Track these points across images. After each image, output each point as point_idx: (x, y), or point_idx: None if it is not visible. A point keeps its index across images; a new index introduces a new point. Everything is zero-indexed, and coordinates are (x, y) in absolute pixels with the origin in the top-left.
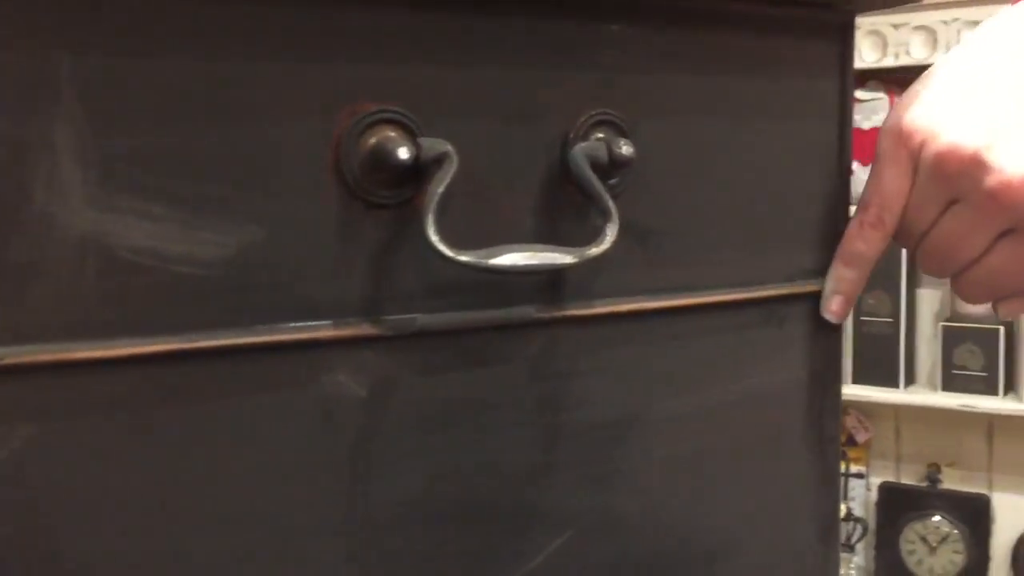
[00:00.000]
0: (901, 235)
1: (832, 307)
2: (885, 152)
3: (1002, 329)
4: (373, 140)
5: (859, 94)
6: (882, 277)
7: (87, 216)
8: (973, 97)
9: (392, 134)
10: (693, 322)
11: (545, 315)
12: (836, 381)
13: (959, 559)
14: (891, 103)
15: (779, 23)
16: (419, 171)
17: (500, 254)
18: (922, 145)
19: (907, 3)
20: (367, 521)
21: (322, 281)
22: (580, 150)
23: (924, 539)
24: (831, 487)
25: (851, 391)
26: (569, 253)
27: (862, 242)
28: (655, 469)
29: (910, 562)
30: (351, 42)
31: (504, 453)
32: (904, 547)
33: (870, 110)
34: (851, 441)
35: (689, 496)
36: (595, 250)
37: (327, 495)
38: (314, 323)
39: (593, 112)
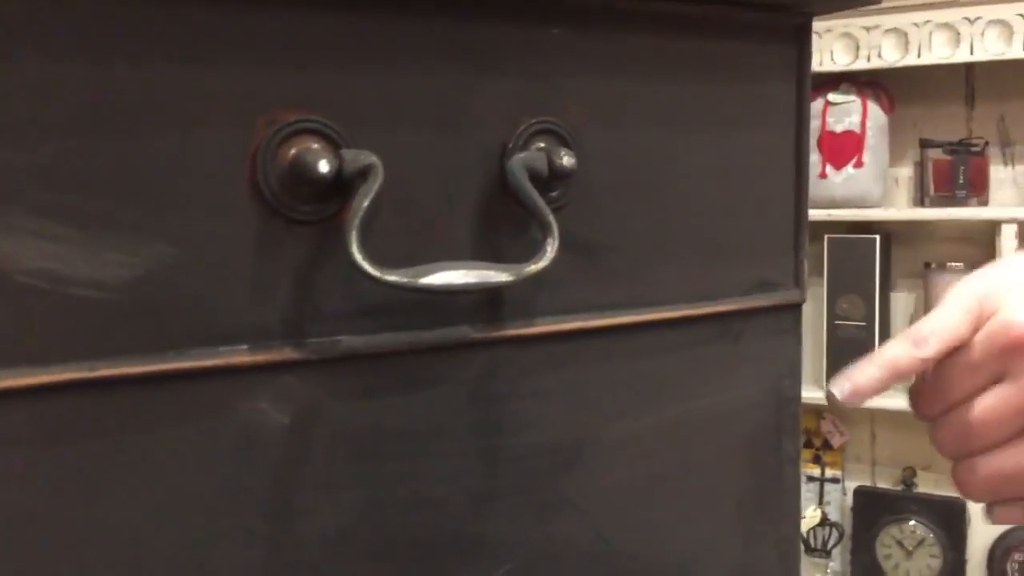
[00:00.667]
0: (928, 398)
1: (839, 387)
2: (957, 295)
3: None
4: (292, 152)
5: (831, 97)
6: (856, 281)
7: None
8: None
9: (313, 146)
10: (642, 340)
11: (483, 335)
12: (795, 398)
13: (935, 563)
14: (863, 105)
15: (732, 26)
16: (343, 185)
17: (432, 272)
18: (995, 310)
19: (866, 5)
20: (293, 559)
21: (240, 303)
22: (518, 161)
23: (900, 543)
24: (791, 507)
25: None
26: (506, 270)
27: (900, 350)
28: (603, 495)
29: (887, 566)
30: (267, 46)
31: (440, 482)
32: (880, 551)
33: (842, 112)
34: (826, 445)
35: (640, 523)
36: (534, 267)
37: (249, 532)
38: (231, 348)
39: (533, 121)
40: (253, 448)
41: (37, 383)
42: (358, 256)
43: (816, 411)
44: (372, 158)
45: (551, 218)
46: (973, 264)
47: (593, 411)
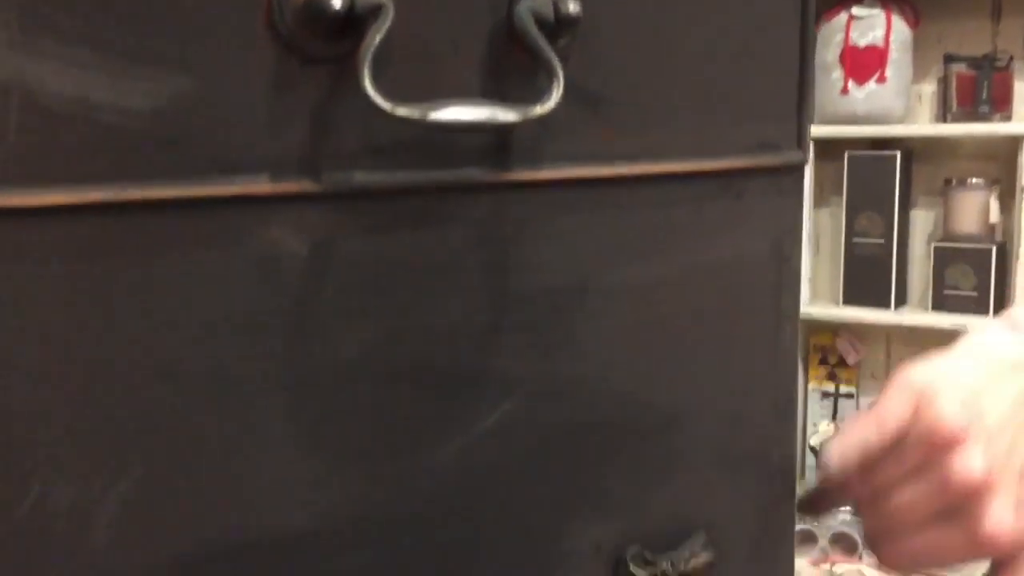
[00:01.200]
0: (859, 481)
1: (828, 454)
2: (896, 385)
3: (994, 249)
4: None
5: (855, 11)
6: (875, 198)
7: (9, 62)
8: (983, 391)
9: None
10: (646, 192)
11: (491, 178)
12: (795, 255)
13: None
14: (887, 20)
15: None
16: (355, 22)
17: (440, 108)
18: (929, 405)
19: None
20: (309, 379)
21: (258, 135)
22: (525, 6)
23: None
24: (788, 363)
25: (842, 312)
26: (513, 110)
27: (858, 422)
28: (606, 336)
29: None
30: None
31: (449, 315)
32: None
33: (866, 27)
34: (842, 362)
35: (641, 365)
36: (539, 109)
37: (267, 352)
38: (250, 177)
39: None
40: (272, 274)
41: (66, 202)
42: (371, 90)
43: (832, 328)
44: None
45: (556, 63)
46: (993, 181)
47: (598, 257)
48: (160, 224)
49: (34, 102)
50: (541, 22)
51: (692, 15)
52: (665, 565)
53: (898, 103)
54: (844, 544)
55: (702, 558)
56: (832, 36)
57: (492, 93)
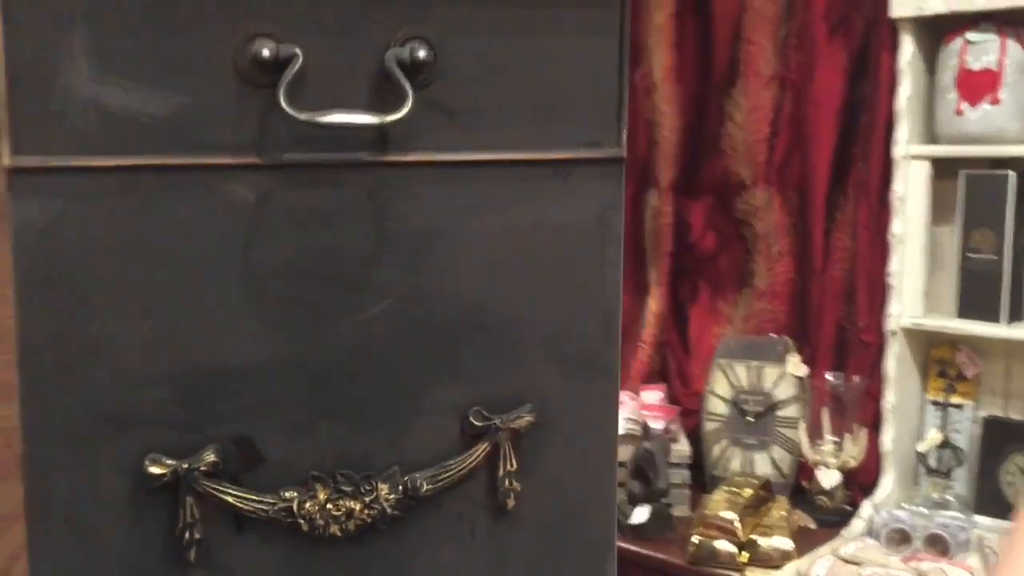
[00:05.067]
0: None
1: None
2: None
3: None
4: (254, 47)
5: (970, 36)
6: (989, 215)
7: (89, 87)
8: None
9: (265, 43)
10: (493, 171)
11: (373, 159)
12: (617, 222)
13: None
14: (1002, 44)
15: None
16: (280, 65)
17: (327, 114)
18: None
19: None
20: (254, 276)
21: (225, 129)
22: (391, 53)
23: None
24: (612, 297)
25: (958, 325)
26: (375, 117)
27: None
28: (462, 264)
29: (1008, 492)
30: None
31: (345, 243)
32: (1004, 478)
33: (980, 51)
34: (960, 376)
35: (489, 284)
36: (392, 117)
37: (228, 258)
38: (220, 153)
39: (407, 29)
40: (232, 213)
41: (124, 164)
42: (284, 103)
43: (951, 342)
44: (295, 49)
45: (408, 88)
46: None
47: (455, 213)
48: (168, 179)
49: (102, 110)
50: (402, 64)
51: (530, 52)
52: (497, 420)
53: (1013, 124)
54: (938, 545)
55: (525, 420)
56: (948, 60)
57: (372, 107)
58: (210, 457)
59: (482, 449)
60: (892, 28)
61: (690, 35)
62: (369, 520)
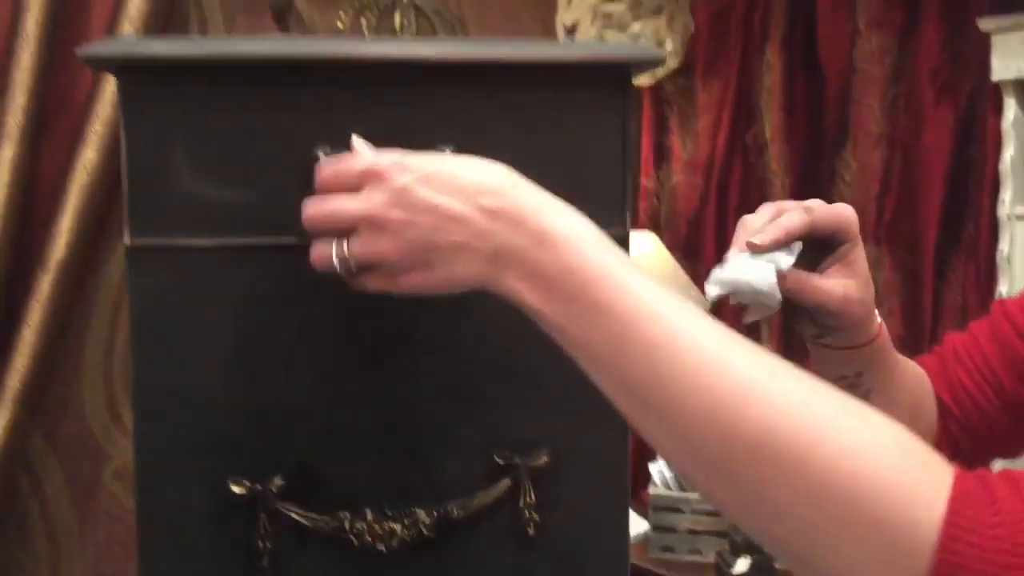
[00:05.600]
0: None
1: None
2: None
3: None
4: (315, 151)
5: None
6: None
7: (190, 185)
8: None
9: (323, 147)
10: None
11: None
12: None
13: None
14: None
15: (569, 77)
16: None
17: None
18: None
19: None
20: (317, 330)
21: (294, 216)
22: None
23: None
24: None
25: None
26: None
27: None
28: (492, 321)
29: None
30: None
31: (394, 304)
32: None
33: None
34: None
35: (514, 338)
36: None
37: (295, 318)
38: (284, 233)
39: (439, 133)
40: (298, 282)
41: (209, 244)
42: None
43: None
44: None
45: None
46: None
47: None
48: (249, 255)
49: (199, 202)
50: None
51: (542, 150)
52: (516, 460)
53: None
54: None
55: (542, 460)
56: None
57: None
58: (279, 481)
59: (504, 483)
60: (996, 90)
61: (800, 96)
62: (408, 540)
